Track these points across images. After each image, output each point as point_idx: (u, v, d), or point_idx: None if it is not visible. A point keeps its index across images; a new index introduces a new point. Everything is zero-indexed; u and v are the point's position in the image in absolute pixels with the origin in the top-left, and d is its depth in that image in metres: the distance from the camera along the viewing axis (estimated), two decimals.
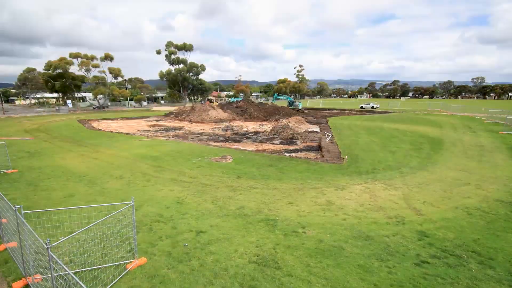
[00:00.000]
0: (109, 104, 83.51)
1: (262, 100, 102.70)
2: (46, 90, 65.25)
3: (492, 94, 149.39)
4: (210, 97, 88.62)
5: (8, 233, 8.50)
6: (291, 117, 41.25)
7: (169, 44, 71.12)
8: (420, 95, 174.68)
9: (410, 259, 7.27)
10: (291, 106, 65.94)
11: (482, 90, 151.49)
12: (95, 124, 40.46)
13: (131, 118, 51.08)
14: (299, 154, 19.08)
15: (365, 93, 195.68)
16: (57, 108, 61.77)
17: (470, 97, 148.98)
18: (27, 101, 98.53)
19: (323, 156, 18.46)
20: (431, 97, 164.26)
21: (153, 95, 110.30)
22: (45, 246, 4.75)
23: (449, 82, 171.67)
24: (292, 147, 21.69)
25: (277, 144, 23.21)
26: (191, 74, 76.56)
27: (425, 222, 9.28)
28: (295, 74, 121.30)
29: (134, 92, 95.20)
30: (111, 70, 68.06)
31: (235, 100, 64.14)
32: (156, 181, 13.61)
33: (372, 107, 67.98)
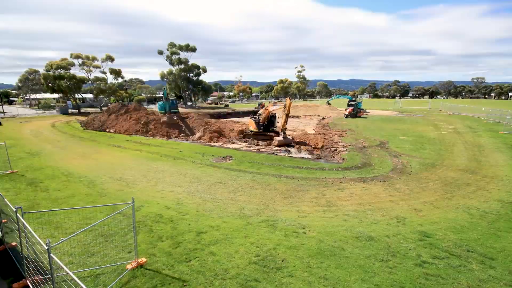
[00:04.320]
0: (108, 104, 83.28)
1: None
2: (46, 90, 65.19)
3: (492, 94, 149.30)
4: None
5: (9, 234, 8.50)
6: None
7: (171, 44, 71.30)
8: (420, 96, 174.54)
9: (411, 259, 7.26)
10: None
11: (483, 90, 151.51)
12: None
13: None
14: (299, 155, 19.10)
15: (365, 93, 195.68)
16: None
17: (470, 97, 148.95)
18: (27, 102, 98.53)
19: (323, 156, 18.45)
20: (431, 97, 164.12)
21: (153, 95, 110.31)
22: (45, 246, 4.74)
23: (449, 82, 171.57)
24: (292, 148, 21.66)
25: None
26: (191, 75, 76.65)
27: (426, 223, 9.27)
28: (295, 74, 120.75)
29: (134, 93, 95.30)
30: (112, 71, 68.26)
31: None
32: (156, 182, 13.60)
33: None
